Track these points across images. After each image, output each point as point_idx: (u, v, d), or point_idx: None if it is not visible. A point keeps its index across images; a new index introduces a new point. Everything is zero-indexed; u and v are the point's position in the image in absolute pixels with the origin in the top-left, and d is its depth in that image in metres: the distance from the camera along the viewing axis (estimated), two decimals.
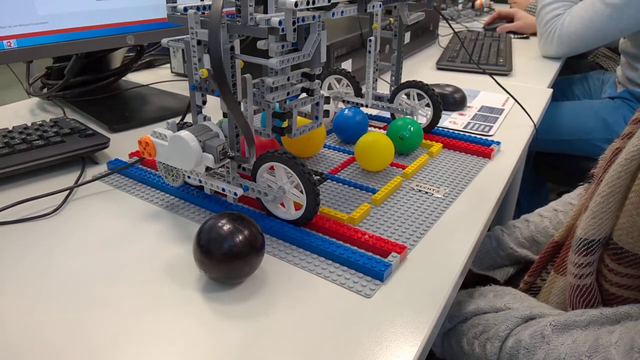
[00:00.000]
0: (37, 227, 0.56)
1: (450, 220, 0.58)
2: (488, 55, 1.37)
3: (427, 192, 0.64)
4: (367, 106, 0.81)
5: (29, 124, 0.74)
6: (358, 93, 0.83)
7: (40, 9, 0.73)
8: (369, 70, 0.78)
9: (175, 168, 0.57)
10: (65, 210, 0.59)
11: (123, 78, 1.03)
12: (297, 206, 0.55)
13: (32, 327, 0.42)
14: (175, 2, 0.54)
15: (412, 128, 0.73)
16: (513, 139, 0.81)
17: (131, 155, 0.72)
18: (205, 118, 0.56)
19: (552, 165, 1.50)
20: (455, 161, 0.73)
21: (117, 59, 1.01)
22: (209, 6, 0.55)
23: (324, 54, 0.55)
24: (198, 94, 0.55)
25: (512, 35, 1.70)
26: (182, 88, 1.07)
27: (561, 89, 1.65)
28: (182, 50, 1.14)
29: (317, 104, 0.60)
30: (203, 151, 0.52)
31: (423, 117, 0.80)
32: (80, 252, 0.51)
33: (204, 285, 0.47)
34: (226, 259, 0.44)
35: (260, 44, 0.50)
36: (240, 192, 0.54)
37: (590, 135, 1.35)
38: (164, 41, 0.56)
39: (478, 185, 0.66)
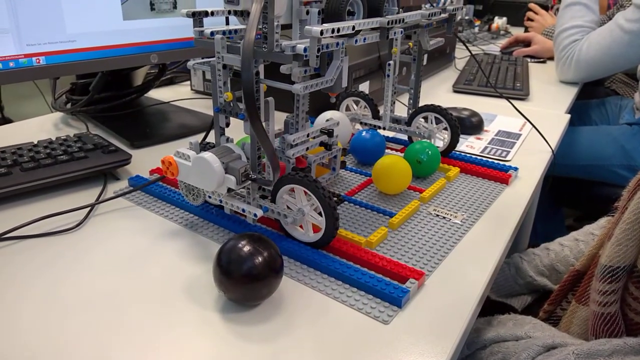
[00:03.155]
0: (59, 242, 0.57)
1: (468, 247, 0.58)
2: (505, 79, 1.37)
3: (444, 217, 0.64)
4: (384, 129, 0.81)
5: (54, 139, 0.76)
6: (375, 115, 0.84)
7: (70, 27, 0.75)
8: (387, 94, 0.79)
9: (197, 188, 0.57)
10: (87, 225, 0.60)
11: (144, 95, 1.05)
12: (316, 229, 0.55)
13: (51, 342, 0.42)
14: (202, 27, 0.56)
15: (429, 152, 0.73)
16: (531, 164, 0.81)
17: (152, 172, 0.73)
18: (228, 140, 0.57)
19: (568, 190, 1.49)
20: (473, 186, 0.73)
21: (140, 76, 1.03)
22: (235, 30, 0.57)
23: (345, 79, 0.56)
24: (222, 116, 0.57)
25: (529, 59, 1.71)
26: (201, 106, 1.08)
27: (578, 113, 1.64)
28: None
29: (335, 157, 0.64)
30: (225, 173, 0.53)
31: (440, 140, 0.81)
32: (100, 269, 0.52)
33: (223, 306, 0.47)
34: (246, 280, 0.45)
35: (284, 69, 0.51)
36: (260, 213, 0.55)
37: (608, 161, 1.34)
38: (190, 64, 0.58)
39: (496, 211, 0.66)
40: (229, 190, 0.55)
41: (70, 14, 0.75)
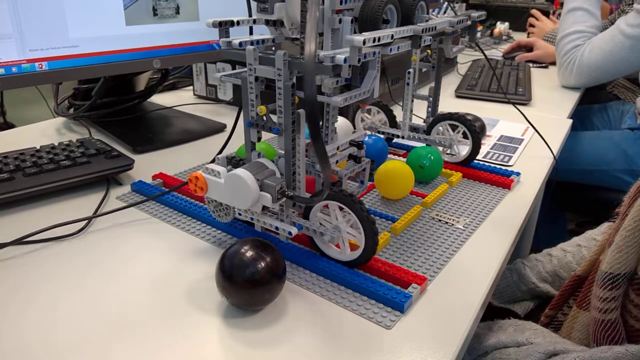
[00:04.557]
0: (61, 248, 0.57)
1: (471, 252, 0.58)
2: (507, 84, 1.38)
3: (447, 222, 0.64)
4: (403, 137, 0.79)
5: (56, 144, 0.76)
6: (392, 123, 0.83)
7: (72, 32, 0.75)
8: (406, 102, 0.76)
9: (227, 205, 0.55)
10: (89, 231, 0.60)
11: (147, 100, 1.05)
12: (352, 246, 0.53)
13: (52, 350, 0.42)
14: (229, 37, 0.53)
15: (432, 157, 0.73)
16: (533, 169, 0.81)
17: (154, 177, 0.73)
18: (259, 155, 0.55)
19: (571, 195, 1.49)
20: (475, 191, 0.73)
21: (142, 81, 1.03)
22: (263, 40, 0.54)
23: (377, 89, 0.54)
24: (253, 130, 0.54)
25: (531, 64, 1.71)
26: (203, 110, 1.09)
27: (580, 118, 1.64)
28: (205, 73, 1.16)
29: (364, 170, 0.61)
30: (260, 190, 0.50)
31: (465, 146, 0.78)
32: (101, 275, 0.52)
33: (225, 311, 0.47)
34: (248, 285, 0.45)
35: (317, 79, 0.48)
36: (294, 231, 0.52)
37: (610, 166, 1.34)
38: (217, 76, 0.55)
39: (498, 216, 0.66)
40: (264, 208, 0.51)
41: (73, 19, 0.75)
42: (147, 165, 0.78)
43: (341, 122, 0.75)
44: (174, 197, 0.66)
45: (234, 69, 1.09)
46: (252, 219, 0.54)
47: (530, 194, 0.73)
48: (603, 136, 1.44)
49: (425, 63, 0.78)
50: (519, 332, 0.61)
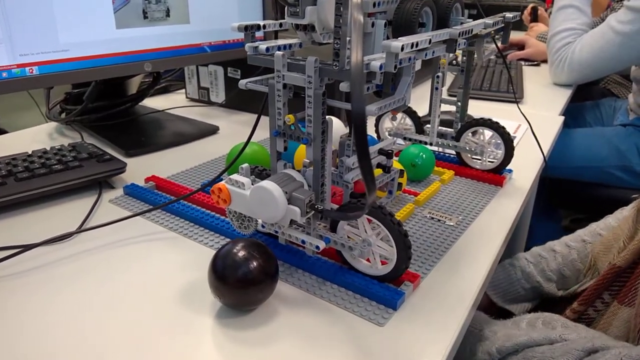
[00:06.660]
0: (54, 250, 0.57)
1: (463, 249, 0.58)
2: (499, 82, 1.38)
3: (439, 220, 0.64)
4: (431, 144, 0.77)
5: (48, 149, 0.76)
6: (419, 129, 0.81)
7: (62, 37, 0.75)
8: (434, 108, 0.74)
9: (251, 218, 0.53)
10: (83, 234, 0.60)
11: (139, 103, 1.05)
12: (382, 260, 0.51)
13: (45, 352, 0.42)
14: (255, 42, 0.51)
15: (424, 155, 0.73)
16: (525, 167, 0.81)
17: (147, 180, 0.73)
18: (285, 165, 0.52)
19: (564, 191, 1.49)
20: (467, 189, 0.73)
21: (134, 84, 1.03)
22: (289, 45, 0.52)
23: (410, 96, 0.51)
24: (280, 140, 0.51)
25: (522, 62, 1.71)
26: (196, 113, 1.09)
27: (572, 115, 1.65)
28: (197, 76, 1.16)
29: (393, 179, 0.60)
30: (288, 203, 0.48)
31: (497, 152, 0.76)
32: (95, 277, 0.52)
33: (218, 311, 0.47)
34: (241, 285, 0.45)
35: (344, 87, 0.45)
36: (322, 245, 0.50)
37: (603, 162, 1.35)
38: (243, 82, 0.52)
39: (490, 213, 0.67)
40: (292, 222, 0.49)
41: (63, 24, 0.75)
42: (140, 168, 0.78)
43: (334, 121, 0.75)
44: (166, 200, 0.66)
45: (226, 70, 1.10)
46: (276, 231, 0.53)
47: (522, 190, 0.74)
48: (595, 133, 1.45)
49: (453, 66, 0.74)
50: (549, 328, 0.59)
